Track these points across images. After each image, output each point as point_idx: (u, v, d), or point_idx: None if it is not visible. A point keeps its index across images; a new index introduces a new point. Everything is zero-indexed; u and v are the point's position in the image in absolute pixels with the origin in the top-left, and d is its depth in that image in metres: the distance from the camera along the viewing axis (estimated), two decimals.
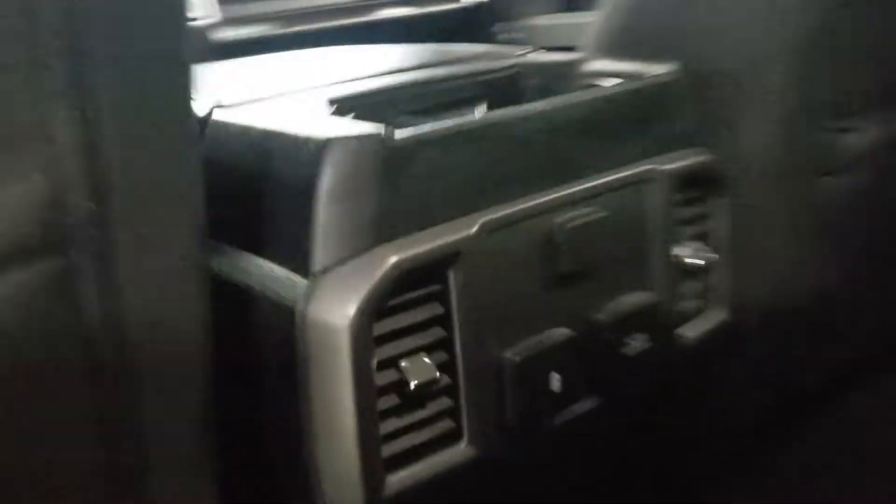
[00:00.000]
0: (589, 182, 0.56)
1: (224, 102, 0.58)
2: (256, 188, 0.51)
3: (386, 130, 0.49)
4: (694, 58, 0.64)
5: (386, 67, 0.68)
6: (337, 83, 0.63)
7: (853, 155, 0.72)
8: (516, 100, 0.63)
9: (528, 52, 0.70)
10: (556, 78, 0.65)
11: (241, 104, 0.58)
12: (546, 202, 0.54)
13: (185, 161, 0.40)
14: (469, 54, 0.72)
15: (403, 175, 0.50)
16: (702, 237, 0.64)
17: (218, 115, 0.55)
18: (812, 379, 0.84)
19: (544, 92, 0.63)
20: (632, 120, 0.60)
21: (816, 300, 0.76)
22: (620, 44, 0.71)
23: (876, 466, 0.85)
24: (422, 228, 0.50)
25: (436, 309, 0.51)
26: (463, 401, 0.51)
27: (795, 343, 0.78)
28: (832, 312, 0.80)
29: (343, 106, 0.57)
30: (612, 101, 0.60)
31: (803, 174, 0.70)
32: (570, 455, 0.61)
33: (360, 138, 0.49)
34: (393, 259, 0.48)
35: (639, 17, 0.69)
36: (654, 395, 0.61)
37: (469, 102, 0.63)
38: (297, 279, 0.48)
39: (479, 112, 0.61)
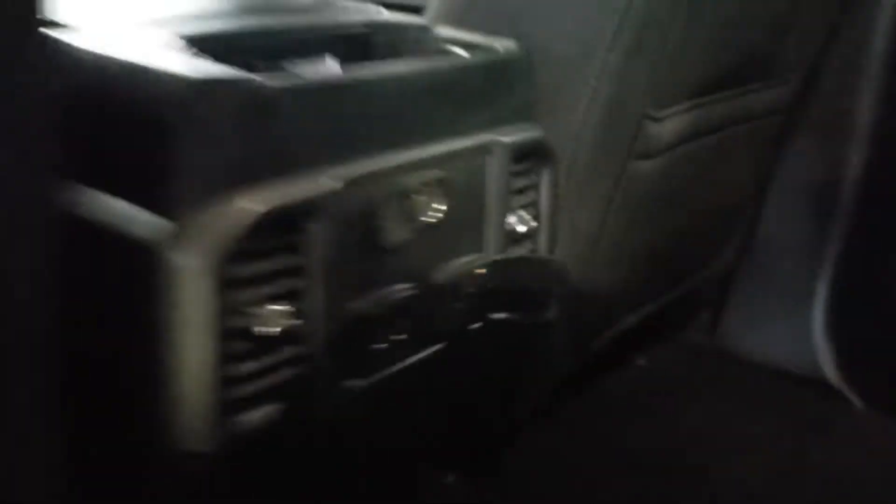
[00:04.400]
0: (440, 147, 0.58)
1: (65, 23, 0.54)
2: (114, 125, 0.48)
3: (258, 77, 0.48)
4: (529, 37, 0.68)
5: (228, 7, 0.66)
6: (185, 18, 0.60)
7: (664, 143, 0.79)
8: (368, 56, 0.63)
9: (374, 10, 0.71)
10: (406, 41, 0.66)
11: (84, 27, 0.54)
12: (402, 162, 0.56)
13: (31, 91, 0.37)
14: (310, 5, 0.71)
15: (271, 123, 0.49)
16: (529, 206, 0.69)
17: (65, 41, 0.51)
18: (601, 346, 0.92)
19: (394, 53, 0.64)
20: (481, 91, 0.63)
21: (617, 269, 0.84)
22: (463, 14, 0.74)
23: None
24: (283, 177, 0.50)
25: (292, 259, 0.51)
26: (312, 349, 0.52)
27: (593, 310, 0.85)
28: (630, 283, 0.88)
29: (196, 44, 0.54)
30: (467, 71, 0.62)
31: (618, 156, 0.77)
32: (389, 411, 0.63)
33: (233, 83, 0.47)
34: (256, 207, 0.47)
35: None
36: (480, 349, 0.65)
37: (318, 53, 0.62)
38: (159, 221, 0.46)
39: (331, 65, 0.61)
